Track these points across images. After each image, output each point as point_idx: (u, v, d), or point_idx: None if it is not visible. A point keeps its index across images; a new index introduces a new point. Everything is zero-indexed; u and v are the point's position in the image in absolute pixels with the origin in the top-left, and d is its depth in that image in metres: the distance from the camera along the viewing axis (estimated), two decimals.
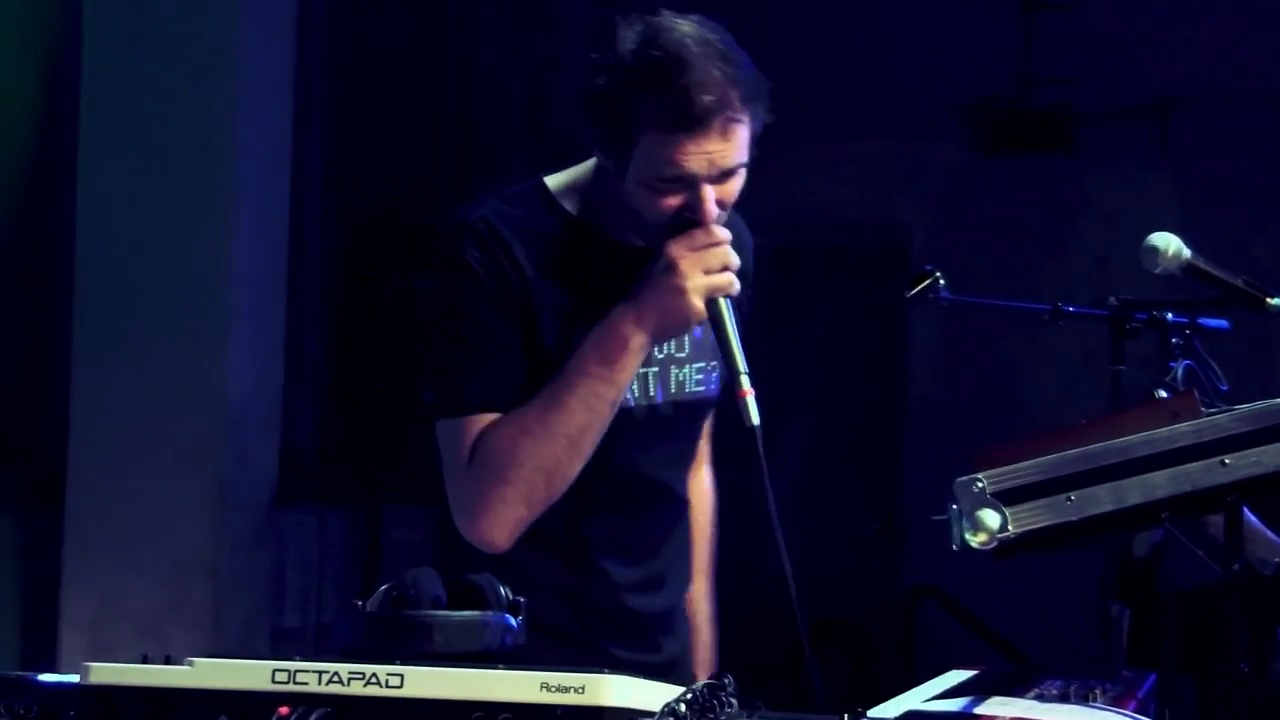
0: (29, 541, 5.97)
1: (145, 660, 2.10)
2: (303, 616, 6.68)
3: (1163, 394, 3.56)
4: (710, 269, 2.67)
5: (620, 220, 2.80)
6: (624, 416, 2.78)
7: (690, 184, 2.66)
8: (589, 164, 2.87)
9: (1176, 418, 2.36)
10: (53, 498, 5.94)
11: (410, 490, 7.09)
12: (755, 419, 2.61)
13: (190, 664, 2.07)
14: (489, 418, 2.74)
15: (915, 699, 2.63)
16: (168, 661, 2.09)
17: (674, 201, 2.68)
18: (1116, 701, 2.68)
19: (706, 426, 3.10)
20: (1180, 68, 8.37)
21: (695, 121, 2.60)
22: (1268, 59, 8.29)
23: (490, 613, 2.26)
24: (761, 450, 2.62)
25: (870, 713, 2.05)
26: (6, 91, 5.93)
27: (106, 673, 2.08)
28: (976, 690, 2.68)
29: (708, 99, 2.60)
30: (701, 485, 3.20)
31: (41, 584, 5.92)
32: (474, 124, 8.25)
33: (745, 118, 2.67)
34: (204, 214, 5.95)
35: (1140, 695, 2.88)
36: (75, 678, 2.10)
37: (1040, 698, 2.65)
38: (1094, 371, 5.39)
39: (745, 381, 2.62)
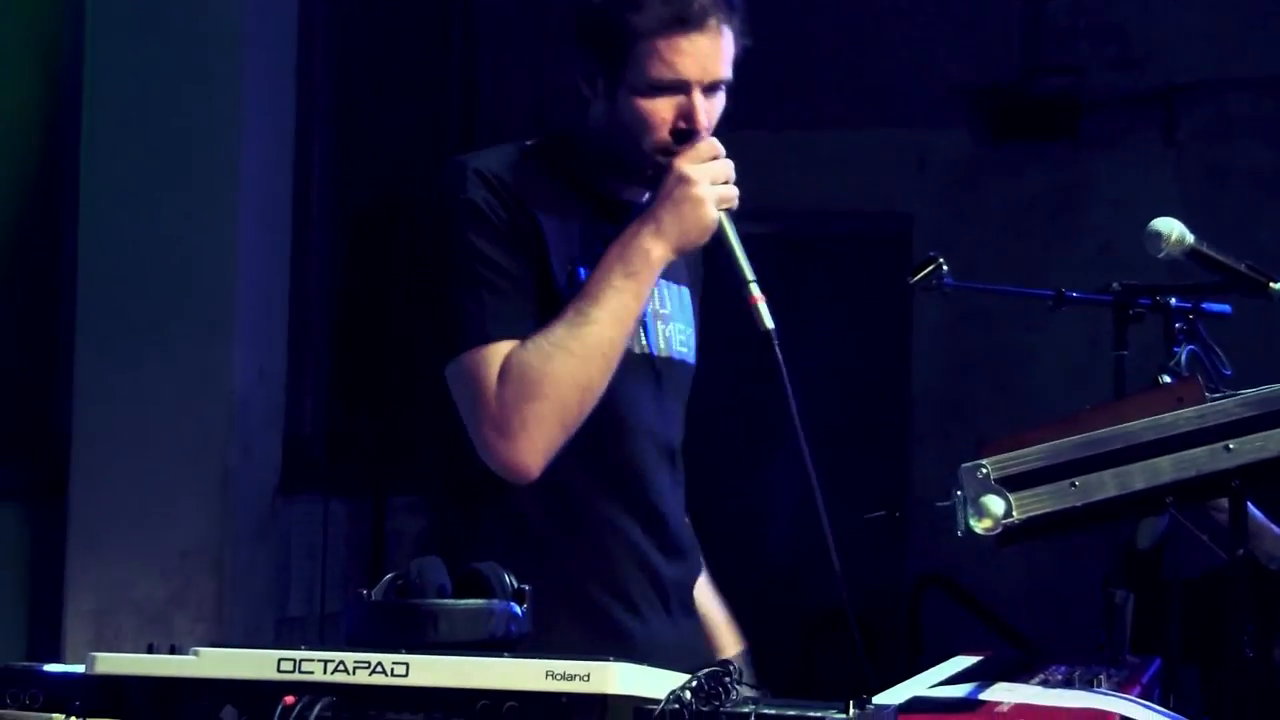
0: (34, 532, 5.97)
1: (151, 650, 2.10)
2: (307, 606, 6.68)
3: (1167, 379, 3.57)
4: (717, 180, 2.77)
5: (603, 170, 2.89)
6: (622, 368, 2.79)
7: (683, 89, 2.76)
8: (562, 130, 2.96)
9: (1181, 403, 2.37)
10: (57, 489, 5.94)
11: (415, 480, 7.09)
12: (769, 323, 2.68)
13: (196, 654, 2.07)
14: (512, 344, 2.74)
15: (921, 685, 2.64)
16: (173, 651, 2.09)
17: (667, 113, 2.77)
18: (1121, 687, 2.69)
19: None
20: (1185, 55, 8.36)
21: (693, 18, 2.73)
22: (1272, 46, 8.28)
23: (495, 601, 2.26)
24: (780, 356, 2.69)
25: (876, 699, 2.06)
26: (10, 86, 5.93)
27: (112, 663, 2.08)
28: (982, 676, 2.69)
29: (703, 1, 2.74)
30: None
31: (46, 575, 5.92)
32: (478, 116, 8.25)
33: (730, 30, 2.79)
34: (208, 206, 5.95)
35: (1144, 680, 2.89)
36: (81, 668, 2.10)
37: (1045, 683, 2.66)
38: (1097, 357, 5.40)
39: (755, 289, 2.69)
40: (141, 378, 5.90)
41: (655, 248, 2.74)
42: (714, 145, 2.79)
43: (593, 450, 2.81)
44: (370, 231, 6.50)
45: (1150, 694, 2.84)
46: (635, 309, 2.75)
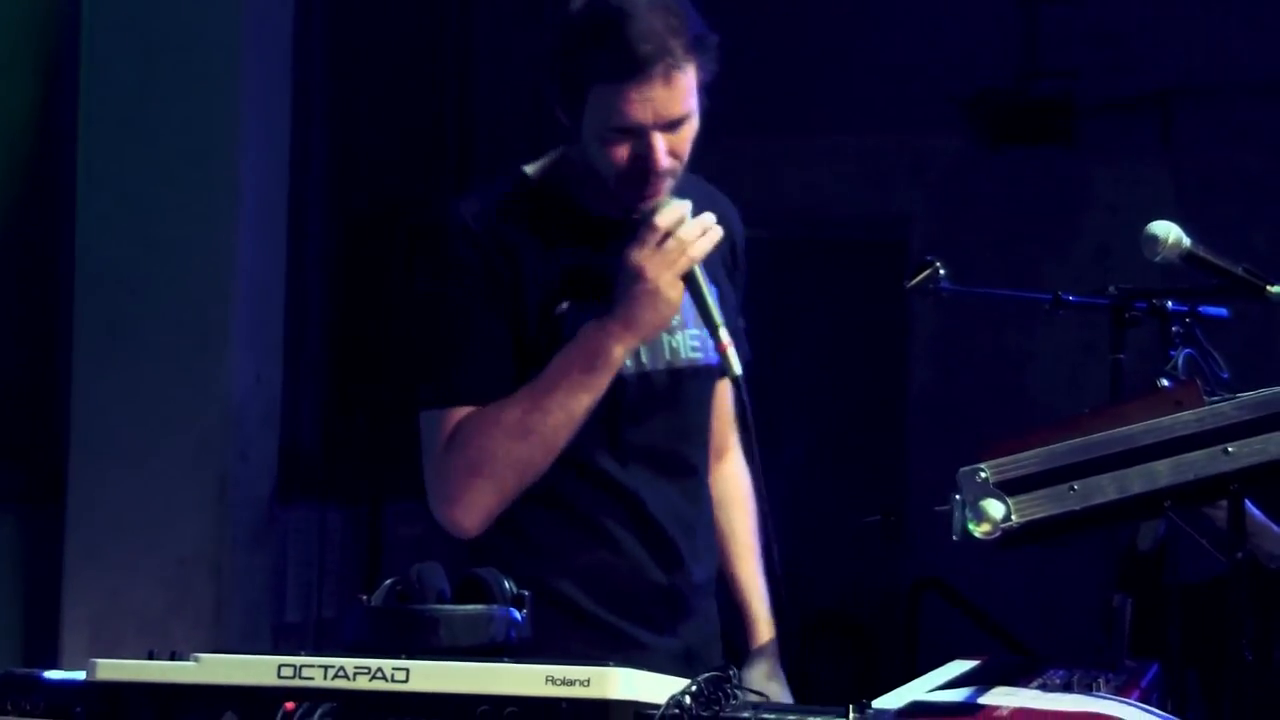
0: (30, 539, 5.96)
1: (152, 656, 2.11)
2: (304, 613, 6.68)
3: (1165, 383, 3.57)
4: (672, 260, 2.77)
5: (595, 191, 2.90)
6: (616, 383, 2.84)
7: (639, 133, 2.76)
8: (559, 153, 3.00)
9: (1179, 406, 2.37)
10: (54, 495, 5.93)
11: (411, 487, 7.07)
12: (737, 369, 2.75)
13: (196, 660, 2.07)
14: (468, 410, 2.83)
15: (919, 690, 2.64)
16: (174, 657, 2.09)
17: (624, 152, 2.78)
18: (1120, 691, 2.69)
19: (724, 410, 3.10)
20: (1181, 59, 8.38)
21: (637, 69, 2.71)
22: (1268, 51, 8.29)
23: (495, 606, 2.26)
24: (746, 398, 2.80)
25: (875, 704, 2.06)
26: (6, 92, 5.93)
27: (113, 669, 2.09)
28: (980, 681, 2.68)
29: (647, 47, 2.70)
30: (732, 475, 3.25)
31: (43, 581, 5.91)
32: (473, 123, 8.25)
33: (689, 66, 2.76)
34: (204, 212, 5.94)
35: (1144, 685, 2.88)
36: (82, 674, 2.10)
37: (1044, 687, 2.66)
38: (1094, 361, 5.40)
39: (723, 334, 2.76)
40: (138, 384, 5.89)
41: (616, 347, 2.79)
42: (665, 222, 2.79)
43: (589, 468, 2.90)
44: (367, 238, 6.50)
45: (1150, 698, 2.84)
46: (587, 399, 2.80)
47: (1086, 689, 2.64)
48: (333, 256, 6.77)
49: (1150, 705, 2.70)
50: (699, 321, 2.90)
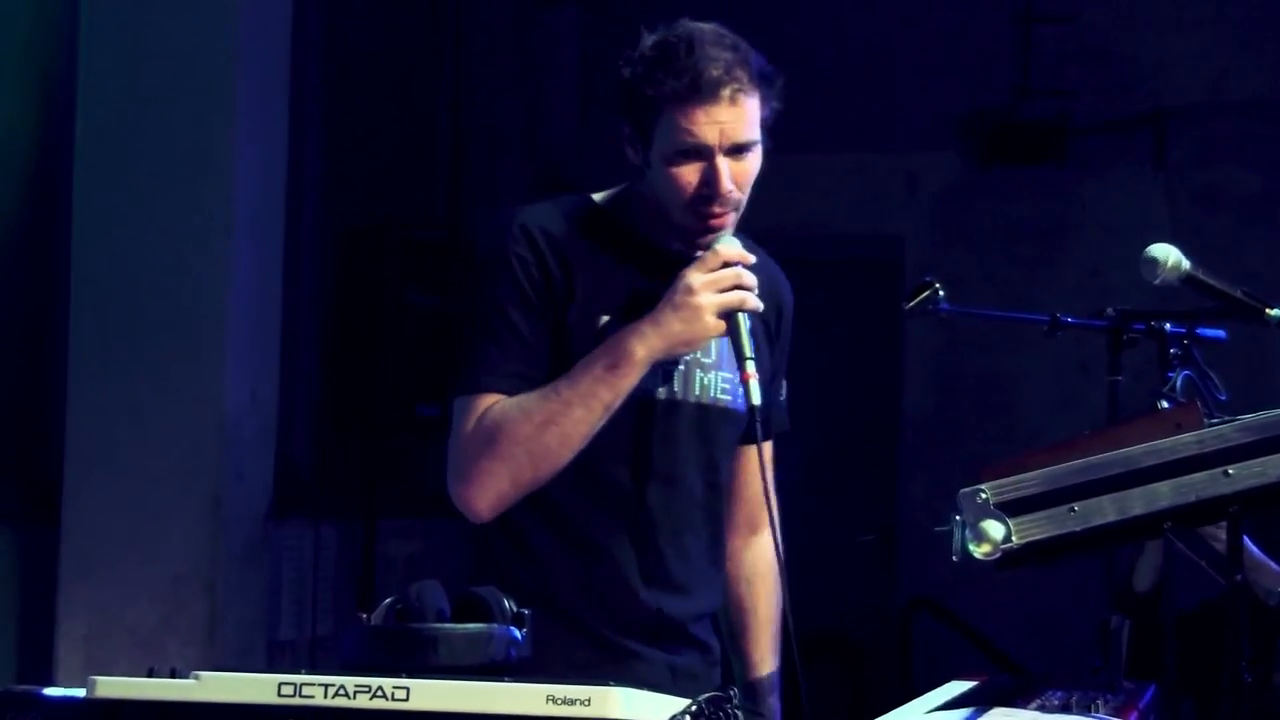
0: (25, 555, 5.96)
1: (151, 674, 2.10)
2: (298, 630, 6.67)
3: (1165, 405, 3.57)
4: (724, 286, 2.84)
5: (659, 225, 2.97)
6: (647, 403, 2.93)
7: (705, 155, 2.85)
8: (626, 186, 3.06)
9: (1179, 428, 2.37)
10: (49, 512, 5.93)
11: (406, 504, 7.08)
12: (756, 399, 2.79)
13: (196, 677, 2.07)
14: (497, 396, 2.91)
15: (917, 711, 2.64)
16: (173, 675, 2.09)
17: (692, 177, 2.86)
18: (1118, 712, 2.69)
19: (757, 482, 3.06)
20: (1174, 79, 8.39)
21: (705, 89, 2.83)
22: (1261, 70, 8.30)
23: (495, 625, 2.26)
24: (759, 429, 2.82)
25: None
26: (3, 105, 5.93)
27: (113, 686, 2.08)
28: (978, 701, 2.69)
29: (715, 71, 2.84)
30: (763, 551, 3.28)
31: (38, 599, 5.91)
32: (468, 137, 8.26)
33: (754, 95, 2.89)
34: (200, 228, 5.95)
35: (1141, 706, 2.89)
36: (80, 692, 2.10)
37: (1042, 708, 2.66)
38: (1090, 382, 5.40)
39: (750, 366, 2.80)
40: (133, 402, 5.89)
41: (640, 349, 2.84)
42: (726, 252, 2.87)
43: (598, 482, 2.94)
44: (362, 255, 6.50)
45: (1147, 719, 2.84)
46: (607, 398, 2.85)
47: (1084, 710, 2.64)
48: (328, 272, 6.77)
49: None
50: (734, 366, 2.93)
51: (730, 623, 3.26)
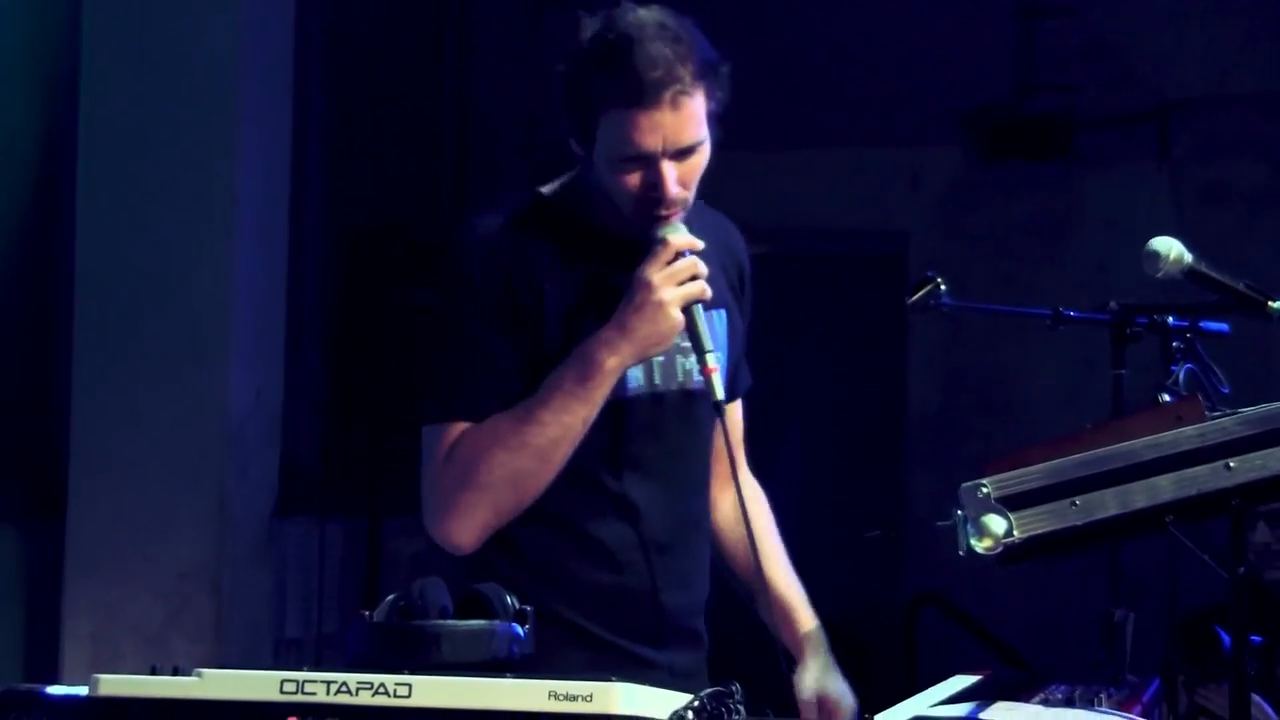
0: (31, 554, 5.97)
1: (154, 672, 2.11)
2: (304, 628, 6.68)
3: (1166, 398, 3.57)
4: (681, 278, 2.79)
5: (610, 211, 2.89)
6: (627, 405, 2.87)
7: (649, 161, 2.78)
8: (576, 175, 2.99)
9: (1181, 422, 2.37)
10: (54, 510, 5.93)
11: (411, 502, 7.07)
12: (720, 395, 2.75)
13: (199, 675, 2.07)
14: (467, 426, 2.84)
15: (921, 704, 2.64)
16: (176, 673, 2.09)
17: (635, 180, 2.79)
18: (1122, 707, 2.69)
19: (733, 430, 3.08)
20: (1178, 73, 8.38)
21: (644, 95, 2.74)
22: (1266, 64, 8.29)
23: (497, 622, 2.27)
24: (724, 424, 2.78)
25: (877, 718, 2.06)
26: (6, 108, 5.93)
27: (116, 684, 2.09)
28: (982, 695, 2.69)
29: (656, 73, 2.73)
30: (752, 486, 3.23)
31: (43, 597, 5.92)
32: (471, 137, 8.26)
33: (697, 93, 2.79)
34: (204, 227, 5.95)
35: (1145, 700, 2.89)
36: (84, 690, 2.10)
37: (1045, 703, 2.66)
38: (1094, 376, 5.39)
39: (711, 359, 2.77)
40: (138, 400, 5.90)
41: (610, 358, 2.78)
42: (677, 241, 2.81)
43: (593, 484, 2.90)
44: (366, 254, 6.50)
45: (1151, 713, 2.84)
46: (582, 411, 2.80)
47: (1088, 704, 2.64)
48: (332, 272, 6.78)
49: None
50: (715, 344, 2.88)
51: (734, 567, 3.20)
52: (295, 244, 6.53)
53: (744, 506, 2.83)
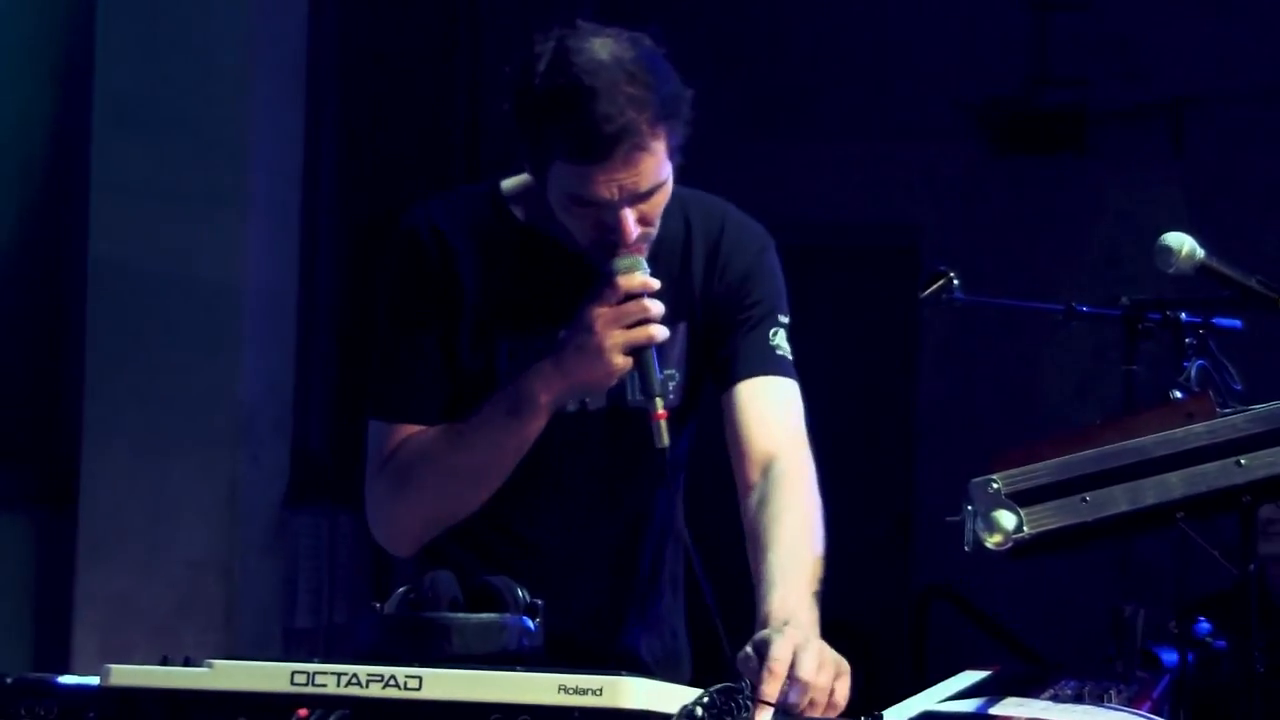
0: (42, 542, 5.98)
1: (165, 662, 2.11)
2: (315, 617, 6.69)
3: (1178, 394, 3.57)
4: (628, 324, 2.61)
5: (564, 228, 2.72)
6: (557, 421, 2.73)
7: (606, 206, 2.60)
8: (531, 180, 2.79)
9: (1192, 418, 2.37)
10: (65, 498, 5.94)
11: None
12: (664, 441, 2.59)
13: (209, 666, 2.08)
14: (412, 428, 2.80)
15: (930, 700, 2.64)
16: (187, 663, 2.10)
17: (589, 221, 2.63)
18: (1132, 702, 2.69)
19: (781, 415, 2.95)
20: (1192, 67, 8.38)
21: (599, 154, 2.53)
22: (1278, 57, 8.29)
23: (508, 615, 2.27)
24: (666, 470, 2.73)
25: (885, 714, 2.06)
26: (19, 95, 5.94)
27: (127, 674, 2.09)
28: (991, 691, 2.68)
29: (610, 129, 2.52)
30: (787, 496, 2.87)
31: (54, 585, 5.93)
32: (482, 131, 8.26)
33: (658, 140, 2.58)
34: (217, 218, 5.96)
35: (1155, 696, 2.88)
36: (95, 679, 2.11)
37: (1055, 698, 2.66)
38: (1105, 371, 5.40)
39: (659, 404, 2.59)
40: (150, 388, 5.90)
41: (544, 393, 2.65)
42: (629, 283, 2.61)
43: (536, 504, 2.82)
44: (377, 245, 6.51)
45: (1161, 709, 2.84)
46: (512, 443, 2.70)
47: (1098, 700, 2.64)
48: (344, 262, 6.79)
49: (1162, 717, 2.70)
50: (667, 363, 2.75)
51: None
52: (307, 234, 6.54)
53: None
